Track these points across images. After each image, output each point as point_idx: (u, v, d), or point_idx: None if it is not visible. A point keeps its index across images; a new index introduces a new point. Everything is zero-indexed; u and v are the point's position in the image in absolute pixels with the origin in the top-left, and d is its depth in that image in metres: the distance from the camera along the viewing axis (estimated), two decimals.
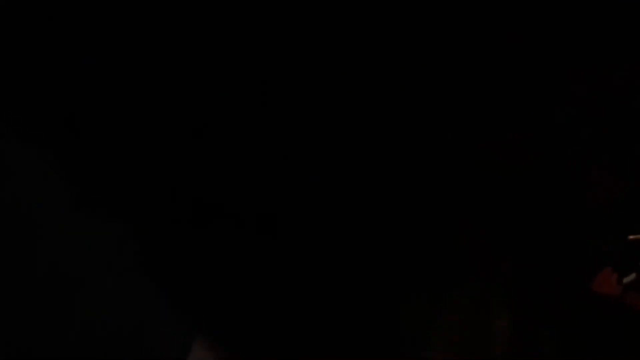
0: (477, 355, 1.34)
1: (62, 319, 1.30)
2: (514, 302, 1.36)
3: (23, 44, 1.36)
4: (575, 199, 1.34)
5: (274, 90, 1.41)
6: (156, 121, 1.41)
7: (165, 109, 1.41)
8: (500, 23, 1.37)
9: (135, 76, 1.37)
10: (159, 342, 1.31)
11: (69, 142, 1.36)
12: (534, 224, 1.37)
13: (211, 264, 1.43)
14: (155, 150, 1.41)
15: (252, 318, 1.39)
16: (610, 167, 1.34)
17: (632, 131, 1.34)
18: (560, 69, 1.36)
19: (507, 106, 1.39)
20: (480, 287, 1.38)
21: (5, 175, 1.28)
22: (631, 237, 1.25)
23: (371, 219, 1.42)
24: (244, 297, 1.40)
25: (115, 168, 1.38)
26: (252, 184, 1.39)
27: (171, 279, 1.37)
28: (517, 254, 1.37)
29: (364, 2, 1.36)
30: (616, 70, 1.35)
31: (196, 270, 1.42)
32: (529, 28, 1.36)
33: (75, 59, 1.37)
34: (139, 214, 1.39)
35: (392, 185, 1.42)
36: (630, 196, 1.31)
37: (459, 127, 1.40)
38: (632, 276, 1.26)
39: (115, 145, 1.39)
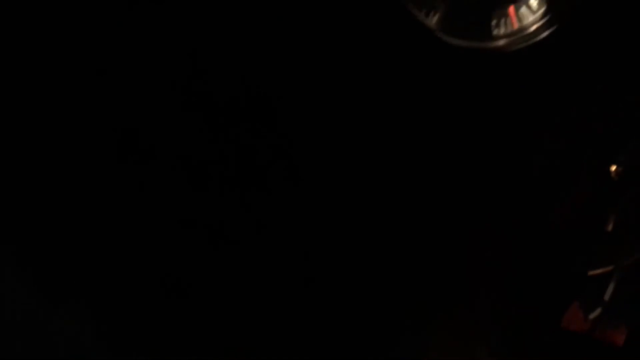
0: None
1: None
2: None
3: (23, 43, 1.38)
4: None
5: (273, 90, 1.43)
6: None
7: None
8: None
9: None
10: None
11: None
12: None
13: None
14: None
15: (251, 322, 1.39)
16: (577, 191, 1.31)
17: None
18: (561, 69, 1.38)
19: (508, 106, 1.40)
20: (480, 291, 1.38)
21: None
22: (590, 272, 1.23)
23: (370, 219, 1.43)
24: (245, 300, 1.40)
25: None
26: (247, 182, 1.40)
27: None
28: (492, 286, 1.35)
29: (364, 4, 1.39)
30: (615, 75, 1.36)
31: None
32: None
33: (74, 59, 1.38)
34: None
35: (391, 185, 1.43)
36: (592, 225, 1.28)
37: (459, 127, 1.41)
38: (598, 311, 1.23)
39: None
